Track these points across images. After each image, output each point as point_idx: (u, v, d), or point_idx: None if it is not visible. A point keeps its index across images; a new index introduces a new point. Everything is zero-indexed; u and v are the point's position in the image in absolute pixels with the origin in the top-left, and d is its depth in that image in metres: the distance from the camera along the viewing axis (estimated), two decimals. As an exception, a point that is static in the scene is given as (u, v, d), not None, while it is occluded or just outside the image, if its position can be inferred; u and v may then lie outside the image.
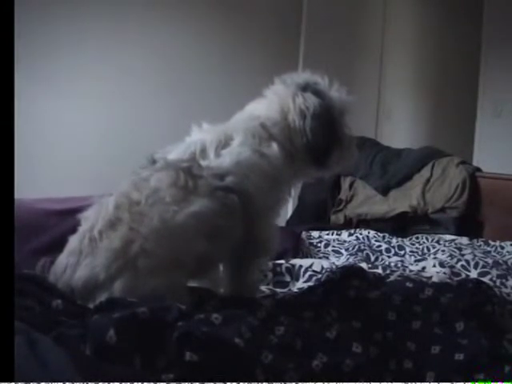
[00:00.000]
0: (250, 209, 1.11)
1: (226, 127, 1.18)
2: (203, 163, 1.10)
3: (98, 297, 0.98)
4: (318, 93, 1.19)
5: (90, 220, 1.06)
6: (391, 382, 0.87)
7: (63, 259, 1.04)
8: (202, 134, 1.16)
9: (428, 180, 2.81)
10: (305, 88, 1.19)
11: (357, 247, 1.93)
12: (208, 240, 1.06)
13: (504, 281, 1.54)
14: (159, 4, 3.13)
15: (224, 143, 1.13)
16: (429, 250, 2.03)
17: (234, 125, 1.18)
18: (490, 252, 2.04)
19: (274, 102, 1.20)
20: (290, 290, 1.38)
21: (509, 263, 1.80)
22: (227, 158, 1.10)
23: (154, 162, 1.12)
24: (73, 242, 1.06)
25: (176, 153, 1.13)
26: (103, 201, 1.08)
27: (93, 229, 1.03)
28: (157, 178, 1.07)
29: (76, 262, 1.01)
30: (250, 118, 1.19)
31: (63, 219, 1.51)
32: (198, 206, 1.04)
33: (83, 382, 0.63)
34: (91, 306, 0.96)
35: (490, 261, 1.72)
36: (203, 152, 1.12)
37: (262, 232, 1.15)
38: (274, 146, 1.15)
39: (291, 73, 1.25)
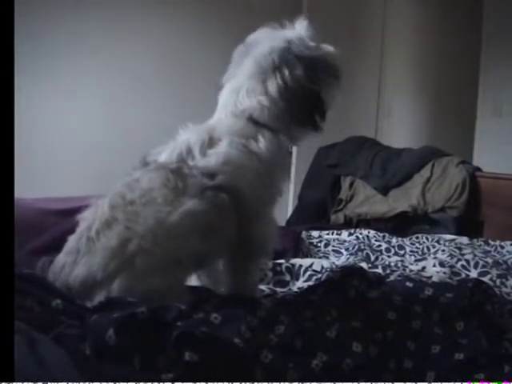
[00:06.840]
0: (243, 207, 1.11)
1: (209, 126, 1.17)
2: (191, 163, 1.10)
3: (96, 295, 0.98)
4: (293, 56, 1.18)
5: (87, 220, 1.06)
6: (391, 381, 0.87)
7: (61, 258, 1.04)
8: (187, 135, 1.16)
9: (428, 180, 2.80)
10: (279, 63, 1.17)
11: (357, 247, 1.93)
12: (202, 238, 1.06)
13: (504, 281, 1.54)
14: (159, 3, 3.13)
15: (208, 142, 1.13)
16: (429, 249, 2.03)
17: (218, 122, 1.18)
18: (489, 252, 2.04)
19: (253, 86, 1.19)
20: (289, 289, 1.38)
21: (509, 263, 1.80)
22: (214, 158, 1.10)
23: (146, 163, 1.12)
24: (71, 241, 1.06)
25: (165, 154, 1.13)
26: (99, 202, 1.08)
27: (90, 229, 1.04)
28: (148, 178, 1.07)
29: (74, 261, 1.02)
30: (233, 113, 1.17)
31: (62, 219, 1.51)
32: (188, 205, 1.05)
33: (83, 381, 0.63)
34: (89, 304, 0.96)
35: (489, 260, 1.72)
36: (189, 152, 1.11)
37: (259, 231, 1.15)
38: (262, 141, 1.13)
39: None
